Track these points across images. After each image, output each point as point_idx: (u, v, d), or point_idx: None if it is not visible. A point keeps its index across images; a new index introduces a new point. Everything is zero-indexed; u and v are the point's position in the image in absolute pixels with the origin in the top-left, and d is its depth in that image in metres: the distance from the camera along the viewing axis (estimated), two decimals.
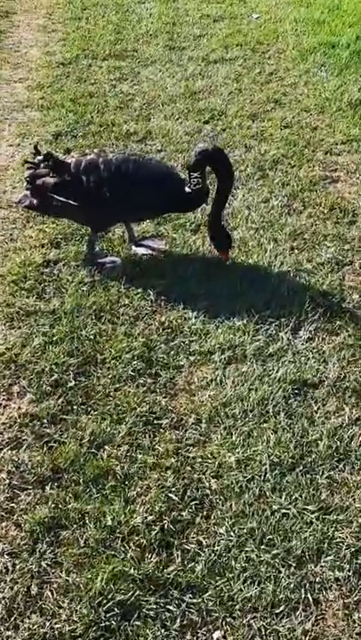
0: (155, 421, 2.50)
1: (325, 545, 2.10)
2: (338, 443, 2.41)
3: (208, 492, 2.25)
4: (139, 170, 3.11)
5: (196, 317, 2.98)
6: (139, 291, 3.11)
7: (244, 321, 2.94)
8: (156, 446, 2.40)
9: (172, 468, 2.31)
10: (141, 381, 2.66)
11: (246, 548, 2.08)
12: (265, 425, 2.49)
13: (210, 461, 2.35)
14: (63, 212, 3.26)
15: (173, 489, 2.24)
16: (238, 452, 2.37)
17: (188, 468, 2.33)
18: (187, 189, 3.13)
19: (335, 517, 2.18)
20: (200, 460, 2.36)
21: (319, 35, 6.12)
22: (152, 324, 2.94)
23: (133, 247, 3.39)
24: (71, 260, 3.31)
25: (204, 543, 2.10)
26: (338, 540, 2.11)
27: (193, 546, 2.09)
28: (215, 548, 2.08)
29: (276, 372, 2.70)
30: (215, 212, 3.18)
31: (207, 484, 2.27)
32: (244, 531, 2.13)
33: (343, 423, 2.50)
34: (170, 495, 2.22)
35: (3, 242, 3.50)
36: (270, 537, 2.11)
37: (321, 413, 2.54)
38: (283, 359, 2.77)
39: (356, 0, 6.67)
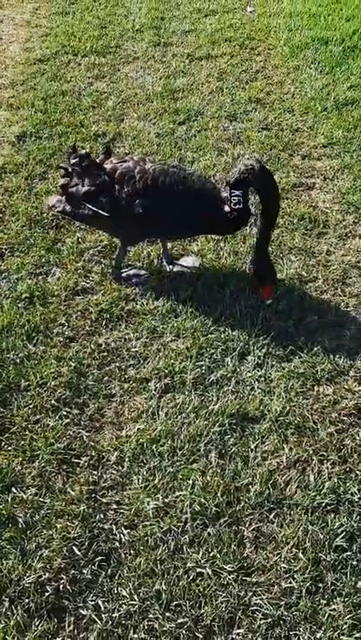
0: (72, 459, 2.26)
1: (239, 613, 1.84)
2: (271, 489, 2.15)
3: (117, 545, 2.01)
4: (176, 185, 2.75)
5: (137, 339, 2.73)
6: (79, 308, 2.87)
7: (189, 344, 2.69)
8: (69, 489, 2.15)
9: (82, 515, 2.07)
10: (65, 412, 2.42)
11: (150, 615, 1.83)
12: (193, 465, 2.23)
13: (125, 508, 2.10)
14: (94, 222, 2.95)
15: (78, 541, 2.00)
16: (159, 498, 2.12)
17: (100, 516, 2.08)
18: (225, 208, 2.75)
19: (256, 579, 1.91)
20: (115, 506, 2.12)
21: (313, 29, 5.81)
22: (88, 346, 2.70)
23: (165, 264, 3.12)
24: (13, 272, 3.08)
25: (103, 608, 1.85)
26: (254, 607, 1.85)
27: (89, 611, 1.85)
28: (114, 615, 1.84)
29: (215, 403, 2.45)
30: (260, 242, 2.76)
31: (118, 536, 2.03)
32: (151, 593, 1.88)
33: (280, 466, 2.23)
34: (73, 549, 1.98)
35: None
36: (178, 602, 1.86)
37: (258, 453, 2.28)
38: (224, 388, 2.51)
39: None
